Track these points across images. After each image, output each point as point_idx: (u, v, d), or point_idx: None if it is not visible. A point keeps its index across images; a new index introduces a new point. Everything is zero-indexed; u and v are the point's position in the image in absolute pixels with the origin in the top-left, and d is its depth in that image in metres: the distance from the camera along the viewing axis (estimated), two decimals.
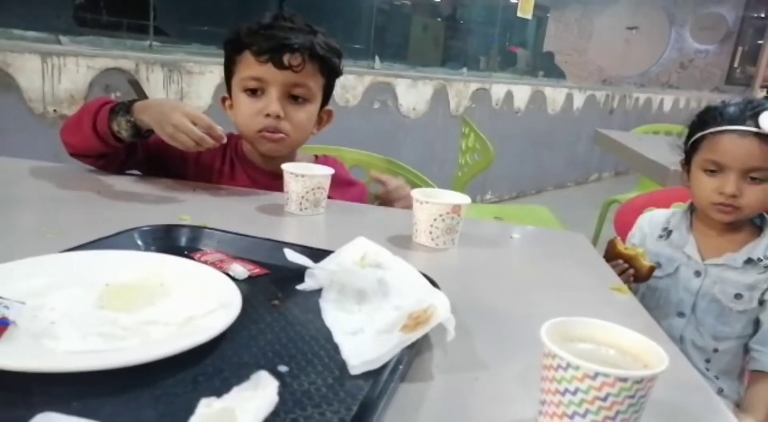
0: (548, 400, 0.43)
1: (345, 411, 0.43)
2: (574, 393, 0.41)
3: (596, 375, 0.40)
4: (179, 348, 0.46)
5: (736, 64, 6.61)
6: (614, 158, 4.10)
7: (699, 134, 1.02)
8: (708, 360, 1.06)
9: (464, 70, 4.22)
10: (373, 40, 3.57)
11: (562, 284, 0.80)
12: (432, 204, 0.85)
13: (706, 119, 1.02)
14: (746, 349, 1.05)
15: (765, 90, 5.96)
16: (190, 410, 0.38)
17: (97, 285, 0.57)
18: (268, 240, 0.76)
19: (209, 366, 0.47)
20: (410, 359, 0.51)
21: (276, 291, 0.64)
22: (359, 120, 2.93)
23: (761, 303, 1.02)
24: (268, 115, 1.04)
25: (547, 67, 5.62)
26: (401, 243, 0.87)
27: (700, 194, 1.02)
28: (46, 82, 1.87)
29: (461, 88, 3.77)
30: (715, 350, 1.05)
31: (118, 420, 0.37)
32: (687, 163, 1.07)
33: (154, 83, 2.13)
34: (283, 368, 0.48)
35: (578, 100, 4.92)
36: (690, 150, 1.06)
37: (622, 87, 5.90)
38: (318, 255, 0.69)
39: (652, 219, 1.14)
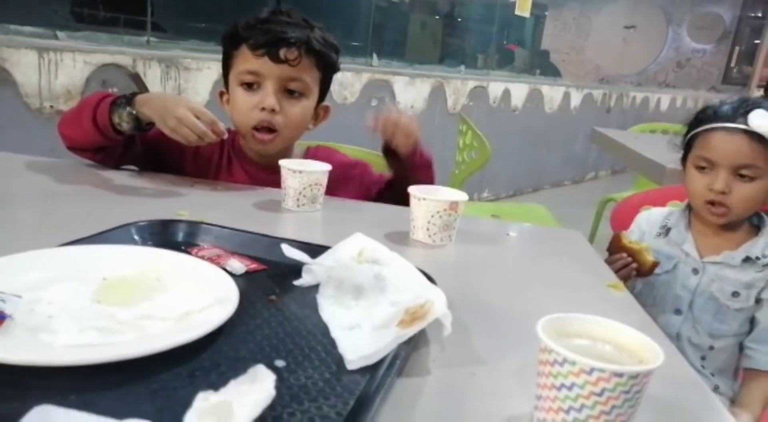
0: (544, 395, 0.43)
1: (342, 405, 0.43)
2: (570, 388, 0.41)
3: (592, 370, 0.40)
4: (176, 343, 0.46)
5: (733, 64, 6.63)
6: (611, 157, 4.11)
7: (693, 132, 1.04)
8: (704, 358, 1.06)
9: (462, 67, 4.22)
10: (371, 38, 3.56)
11: (559, 281, 0.80)
12: (429, 200, 0.85)
13: (701, 117, 1.03)
14: (741, 347, 1.06)
15: (761, 89, 5.98)
16: (187, 404, 0.38)
17: (94, 279, 0.57)
18: (266, 236, 0.76)
19: (206, 360, 0.47)
20: (407, 354, 0.51)
21: (273, 286, 0.64)
22: (357, 117, 2.92)
23: (758, 301, 1.03)
24: (263, 109, 1.04)
25: (542, 65, 5.62)
26: (398, 239, 0.87)
27: (693, 191, 1.04)
28: (43, 77, 1.86)
29: (459, 86, 3.77)
30: (711, 348, 1.05)
31: (116, 414, 0.37)
32: (684, 160, 1.08)
33: (152, 79, 2.13)
34: (280, 363, 0.48)
35: (575, 98, 4.93)
36: (686, 147, 1.07)
37: (619, 86, 5.91)
38: (315, 251, 0.69)
39: (650, 217, 1.15)
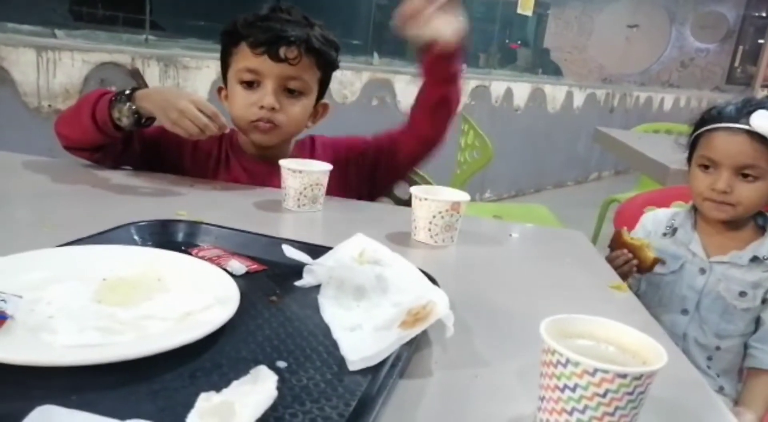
0: (547, 396, 0.43)
1: (343, 406, 0.43)
2: (574, 389, 0.41)
3: (595, 371, 0.40)
4: (177, 343, 0.46)
5: (736, 64, 6.61)
6: (614, 157, 4.10)
7: (698, 131, 1.05)
8: (710, 358, 1.06)
9: (464, 66, 4.21)
10: (371, 36, 3.56)
11: (562, 282, 0.80)
12: (431, 201, 0.84)
13: (706, 117, 1.04)
14: (746, 347, 1.05)
15: (766, 89, 5.96)
16: (189, 404, 0.38)
17: (95, 279, 0.57)
18: (266, 236, 0.76)
19: (207, 361, 0.47)
20: (409, 355, 0.51)
21: (274, 287, 0.64)
22: (357, 116, 2.93)
23: (764, 301, 1.02)
24: (262, 107, 1.04)
25: (543, 64, 5.61)
26: (400, 240, 0.86)
27: (696, 190, 1.04)
28: (41, 76, 1.86)
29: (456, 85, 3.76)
30: (718, 348, 1.05)
31: (117, 414, 0.37)
32: (689, 160, 1.08)
33: (150, 78, 2.12)
34: (281, 363, 0.48)
35: (578, 98, 4.92)
36: (691, 147, 1.07)
37: (622, 85, 5.90)
38: (316, 251, 0.69)
39: (656, 218, 1.15)
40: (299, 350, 0.51)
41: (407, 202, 1.16)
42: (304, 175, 0.95)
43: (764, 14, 6.63)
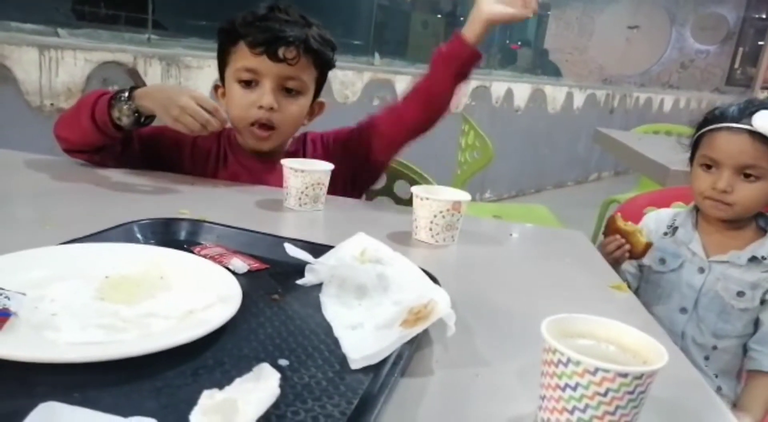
0: (548, 395, 0.43)
1: (346, 404, 0.43)
2: (575, 388, 0.41)
3: (596, 370, 0.40)
4: (180, 341, 0.46)
5: (736, 65, 6.61)
6: (614, 158, 4.10)
7: (700, 131, 1.05)
8: (707, 358, 1.06)
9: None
10: (372, 36, 3.56)
11: (562, 282, 0.80)
12: (432, 200, 0.85)
13: (709, 117, 1.05)
14: (745, 350, 1.06)
15: (766, 91, 5.97)
16: (192, 401, 0.38)
17: (97, 277, 0.57)
18: (268, 235, 0.76)
19: (210, 359, 0.47)
20: (410, 354, 0.51)
21: (276, 285, 0.64)
22: (358, 117, 2.92)
23: (762, 302, 1.03)
24: (261, 107, 1.04)
25: (542, 64, 5.62)
26: (401, 239, 0.87)
27: (697, 189, 1.05)
28: (44, 74, 1.86)
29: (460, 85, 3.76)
30: (715, 347, 1.06)
31: (120, 411, 0.37)
32: (692, 160, 1.08)
33: (152, 77, 2.13)
34: (283, 361, 0.48)
35: (578, 99, 4.92)
36: (693, 147, 1.08)
37: (622, 86, 5.90)
38: (318, 250, 0.69)
39: (658, 217, 1.16)
40: (301, 348, 0.51)
41: (407, 202, 1.17)
42: (306, 174, 0.95)
43: (764, 16, 6.63)
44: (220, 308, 0.53)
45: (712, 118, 1.03)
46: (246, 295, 0.56)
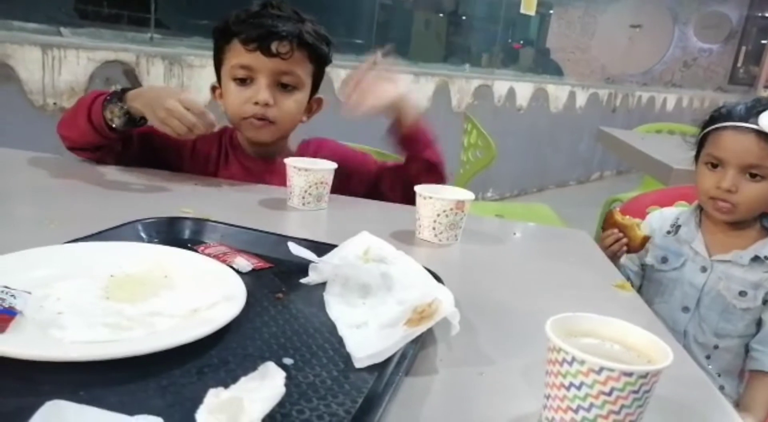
0: (553, 394, 0.43)
1: (350, 403, 0.43)
2: (579, 387, 0.41)
3: (601, 369, 0.40)
4: (185, 339, 0.46)
5: (739, 64, 6.59)
6: (616, 157, 4.09)
7: (706, 130, 1.05)
8: (708, 357, 1.06)
9: (466, 66, 4.21)
10: (374, 36, 3.56)
11: (565, 281, 0.80)
12: (436, 199, 0.85)
13: (715, 116, 1.04)
14: (747, 349, 1.05)
15: None
16: (197, 400, 0.39)
17: (102, 276, 0.57)
18: (272, 233, 0.76)
19: (215, 357, 0.48)
20: (415, 353, 0.51)
21: (280, 284, 0.64)
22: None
23: (765, 302, 1.03)
24: (257, 103, 1.04)
25: (544, 63, 5.62)
26: (404, 238, 0.87)
27: (701, 188, 1.05)
28: (47, 74, 1.86)
29: (463, 85, 3.76)
30: (716, 347, 1.05)
31: (126, 410, 0.37)
32: (697, 159, 1.08)
33: (155, 76, 2.13)
34: (288, 360, 0.48)
35: (581, 98, 4.91)
36: (699, 145, 1.08)
37: (625, 85, 5.89)
38: (321, 249, 0.69)
39: (661, 216, 1.16)
40: (305, 347, 0.51)
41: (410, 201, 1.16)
42: (310, 173, 0.95)
43: (767, 14, 6.61)
44: (225, 307, 0.53)
45: (719, 116, 1.03)
46: (250, 294, 0.56)
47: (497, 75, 4.32)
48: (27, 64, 1.82)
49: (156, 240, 0.73)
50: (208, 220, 0.78)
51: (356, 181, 1.15)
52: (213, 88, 1.15)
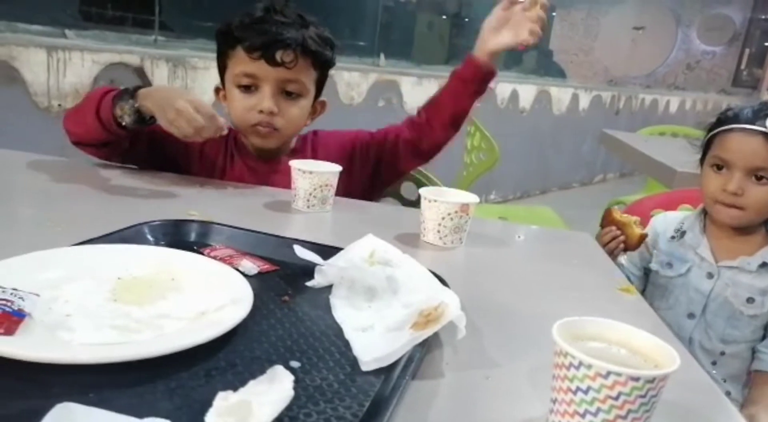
0: (560, 399, 0.43)
1: (357, 406, 0.44)
2: (586, 391, 0.41)
3: (608, 374, 0.40)
4: (193, 342, 0.46)
5: (743, 66, 6.58)
6: (619, 159, 4.09)
7: (712, 132, 1.05)
8: (714, 363, 1.06)
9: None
10: (378, 38, 3.56)
11: (570, 284, 0.80)
12: (441, 202, 0.85)
13: (722, 118, 1.04)
14: (753, 352, 1.05)
15: None
16: (205, 402, 0.39)
17: (110, 278, 0.58)
18: (277, 236, 0.76)
19: (222, 360, 0.48)
20: (421, 356, 0.51)
21: (286, 287, 0.64)
22: (364, 118, 2.93)
23: None
24: (261, 111, 1.04)
25: (546, 65, 5.61)
26: (409, 241, 0.87)
27: (706, 191, 1.04)
28: (51, 76, 1.87)
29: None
30: (722, 353, 1.05)
31: (134, 412, 0.38)
32: (702, 161, 1.08)
33: (159, 78, 2.14)
34: (295, 363, 0.48)
35: (584, 100, 4.91)
36: (704, 148, 1.08)
37: (628, 88, 5.88)
38: (327, 252, 0.69)
39: (665, 220, 1.15)
40: (312, 350, 0.51)
41: (413, 203, 1.17)
42: (314, 175, 0.95)
43: None
44: (232, 309, 0.53)
45: (725, 119, 1.03)
46: (256, 297, 0.57)
47: (500, 77, 4.28)
48: (32, 66, 1.83)
49: (162, 242, 0.73)
50: (213, 223, 0.79)
51: (361, 160, 1.16)
52: (216, 90, 1.15)
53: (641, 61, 6.40)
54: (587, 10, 6.25)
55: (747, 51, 6.54)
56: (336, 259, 0.68)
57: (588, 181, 5.39)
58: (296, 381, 0.44)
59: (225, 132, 0.97)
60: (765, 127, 0.95)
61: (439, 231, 0.86)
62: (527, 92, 4.28)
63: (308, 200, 0.96)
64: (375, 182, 1.20)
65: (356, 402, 0.44)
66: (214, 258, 0.68)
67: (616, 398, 0.40)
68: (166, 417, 0.38)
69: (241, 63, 1.04)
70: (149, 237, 0.74)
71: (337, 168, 0.99)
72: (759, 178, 0.98)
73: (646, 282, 1.16)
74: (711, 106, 6.14)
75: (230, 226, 0.78)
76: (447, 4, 5.03)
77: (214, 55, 1.13)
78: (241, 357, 0.49)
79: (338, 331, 0.55)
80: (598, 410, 0.41)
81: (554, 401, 0.44)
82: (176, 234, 0.75)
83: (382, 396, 0.45)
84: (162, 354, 0.45)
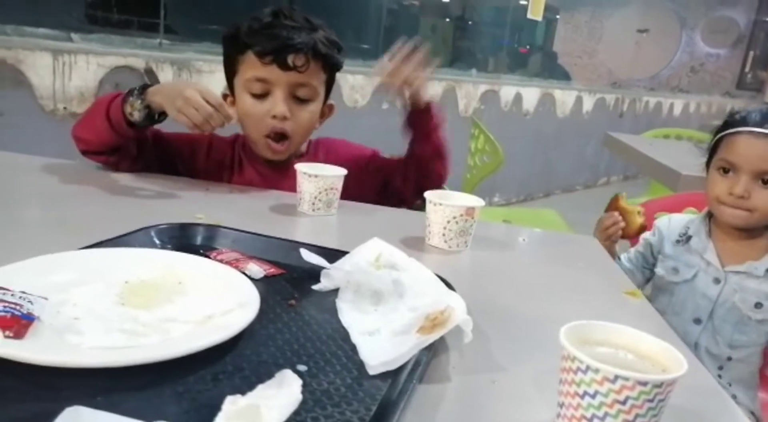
0: (567, 403, 0.43)
1: (364, 410, 0.44)
2: (594, 396, 0.41)
3: (616, 378, 0.40)
4: (201, 346, 0.47)
5: (747, 69, 6.55)
6: (623, 162, 4.08)
7: (719, 135, 1.04)
8: (721, 368, 1.05)
9: (473, 71, 4.21)
10: (381, 40, 3.57)
11: (575, 287, 0.80)
12: (446, 206, 0.85)
13: (729, 121, 1.03)
14: (761, 357, 1.04)
15: None
16: (213, 406, 0.39)
17: (117, 282, 0.58)
18: (284, 240, 0.76)
19: (229, 364, 0.48)
20: (428, 360, 0.51)
21: (292, 290, 0.64)
22: (368, 121, 2.94)
23: None
24: (274, 117, 1.04)
25: (550, 68, 5.61)
26: (414, 245, 0.87)
27: (712, 194, 1.04)
28: (57, 79, 1.88)
29: (470, 90, 3.77)
30: (729, 358, 1.04)
31: (142, 415, 0.38)
32: (708, 164, 1.08)
33: (164, 82, 2.15)
34: (302, 367, 0.49)
35: (588, 103, 4.91)
36: (711, 151, 1.07)
37: (632, 90, 5.87)
38: (333, 255, 0.69)
39: (670, 222, 1.14)
40: (319, 354, 0.51)
41: (418, 207, 1.17)
42: (320, 179, 0.95)
43: None
44: (239, 313, 0.53)
45: (733, 121, 1.02)
46: (263, 301, 0.57)
47: (504, 80, 4.31)
48: (38, 70, 1.84)
49: (169, 246, 0.73)
50: (220, 226, 0.79)
51: (371, 179, 1.15)
52: (224, 96, 1.15)
53: (645, 64, 6.38)
54: (591, 13, 6.24)
55: (751, 53, 6.52)
56: (342, 263, 0.68)
57: (592, 183, 5.38)
58: (303, 385, 0.44)
59: (232, 120, 0.98)
60: None
61: (444, 235, 0.86)
62: (531, 95, 4.29)
63: (313, 203, 0.97)
64: (383, 202, 1.19)
65: (363, 405, 0.44)
66: (221, 261, 0.68)
67: (624, 402, 0.40)
68: (174, 421, 0.38)
69: (252, 68, 1.04)
70: (156, 240, 0.74)
71: (342, 171, 0.99)
72: (765, 182, 0.97)
73: (645, 285, 1.16)
74: (715, 109, 6.12)
75: (236, 230, 0.78)
76: (450, 7, 5.04)
77: (220, 58, 1.14)
78: (248, 361, 0.49)
79: (345, 335, 0.55)
80: (606, 414, 0.41)
81: (561, 405, 0.44)
82: (183, 238, 0.76)
83: (389, 399, 0.45)
84: (169, 358, 0.45)
